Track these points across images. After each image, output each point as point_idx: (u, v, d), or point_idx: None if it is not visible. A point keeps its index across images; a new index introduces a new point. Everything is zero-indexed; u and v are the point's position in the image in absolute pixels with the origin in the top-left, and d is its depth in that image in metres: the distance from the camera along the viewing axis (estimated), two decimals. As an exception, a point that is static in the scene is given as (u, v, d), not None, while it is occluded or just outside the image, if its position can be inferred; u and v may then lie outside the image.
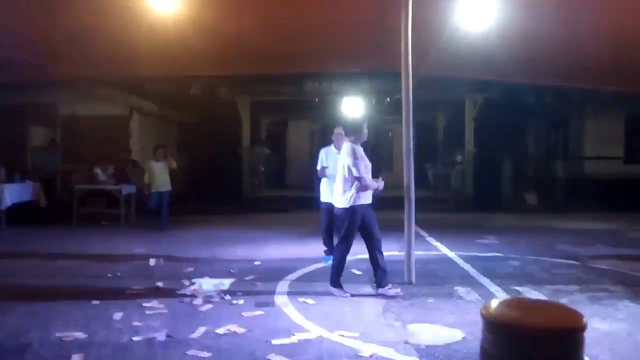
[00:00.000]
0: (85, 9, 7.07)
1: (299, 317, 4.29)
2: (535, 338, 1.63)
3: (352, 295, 4.95)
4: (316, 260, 6.65)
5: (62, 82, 11.41)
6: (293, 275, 5.81)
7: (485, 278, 5.67)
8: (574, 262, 6.61)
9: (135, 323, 4.09)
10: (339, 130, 6.55)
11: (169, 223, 9.40)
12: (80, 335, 3.81)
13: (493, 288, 5.24)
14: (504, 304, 1.84)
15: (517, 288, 5.26)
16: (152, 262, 6.46)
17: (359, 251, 7.05)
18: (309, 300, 4.77)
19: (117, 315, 4.27)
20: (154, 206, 9.37)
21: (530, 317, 1.71)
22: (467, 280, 5.63)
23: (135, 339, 3.75)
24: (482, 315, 1.73)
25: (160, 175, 9.37)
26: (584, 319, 1.73)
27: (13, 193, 9.71)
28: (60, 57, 9.10)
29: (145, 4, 6.16)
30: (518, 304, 1.95)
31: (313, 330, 3.96)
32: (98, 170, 10.79)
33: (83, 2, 6.80)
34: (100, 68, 10.13)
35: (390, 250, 7.08)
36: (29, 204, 10.32)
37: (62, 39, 8.33)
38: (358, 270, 6.05)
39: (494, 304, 1.81)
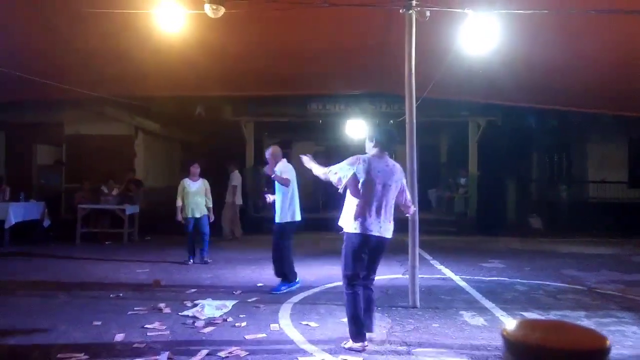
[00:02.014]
0: (93, 31, 7.21)
1: (302, 340, 4.25)
2: None
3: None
4: (319, 282, 6.61)
5: (69, 102, 11.54)
6: (296, 298, 5.77)
7: (490, 302, 5.61)
8: (579, 287, 6.55)
9: (137, 345, 4.05)
10: (270, 150, 6.45)
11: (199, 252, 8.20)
12: (82, 356, 3.77)
13: (498, 313, 5.19)
14: (526, 325, 1.82)
15: (523, 313, 5.20)
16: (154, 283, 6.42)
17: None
18: (312, 323, 4.72)
19: (119, 337, 4.23)
20: (193, 235, 8.12)
21: (555, 338, 1.68)
22: (471, 304, 5.57)
23: (136, 361, 3.71)
24: (504, 337, 1.70)
25: (195, 198, 8.06)
26: (608, 341, 1.70)
27: (18, 212, 9.73)
28: (68, 77, 9.22)
29: (152, 26, 6.26)
30: (540, 325, 1.92)
31: (316, 354, 3.91)
32: (104, 188, 10.84)
33: (91, 23, 6.92)
34: (107, 88, 10.27)
35: (394, 274, 7.05)
36: (33, 222, 10.34)
37: (70, 59, 8.46)
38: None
39: (515, 325, 1.78)
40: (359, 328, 4.03)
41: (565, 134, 14.46)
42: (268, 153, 6.42)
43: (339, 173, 4.14)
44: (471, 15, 5.66)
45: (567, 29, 6.79)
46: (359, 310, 4.05)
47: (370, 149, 4.31)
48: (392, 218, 4.22)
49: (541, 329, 1.79)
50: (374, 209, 4.06)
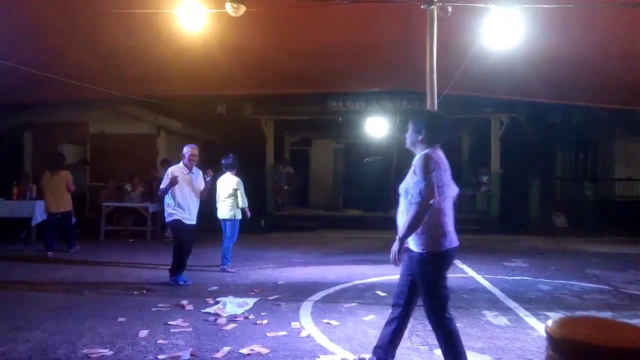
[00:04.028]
0: (116, 31, 7.31)
1: (323, 338, 4.24)
2: (612, 358, 1.53)
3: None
4: (339, 281, 6.60)
5: (93, 102, 11.73)
6: (316, 296, 5.77)
7: (513, 302, 5.53)
8: (605, 287, 6.41)
9: (160, 341, 4.10)
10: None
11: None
12: (107, 352, 3.84)
13: (522, 313, 5.10)
14: (572, 321, 1.76)
15: (547, 313, 5.11)
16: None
17: (385, 272, 6.99)
18: (333, 322, 4.72)
19: (143, 333, 4.29)
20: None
21: (603, 335, 1.62)
22: (494, 304, 5.50)
23: (160, 357, 3.75)
24: (548, 334, 1.64)
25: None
26: None
27: (44, 210, 9.91)
28: (92, 77, 9.37)
29: (174, 25, 6.32)
30: (587, 322, 1.86)
31: (337, 353, 3.90)
32: (128, 186, 11.00)
33: (114, 23, 7.02)
34: (130, 88, 10.41)
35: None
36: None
37: (94, 59, 8.60)
38: (382, 291, 5.97)
39: (560, 321, 1.73)
40: None
41: (591, 131, 14.14)
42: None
43: (430, 187, 3.07)
44: (494, 10, 5.57)
45: (593, 23, 6.64)
46: (460, 346, 3.28)
47: (417, 144, 3.26)
48: None
49: (588, 326, 1.73)
50: (451, 214, 3.24)
